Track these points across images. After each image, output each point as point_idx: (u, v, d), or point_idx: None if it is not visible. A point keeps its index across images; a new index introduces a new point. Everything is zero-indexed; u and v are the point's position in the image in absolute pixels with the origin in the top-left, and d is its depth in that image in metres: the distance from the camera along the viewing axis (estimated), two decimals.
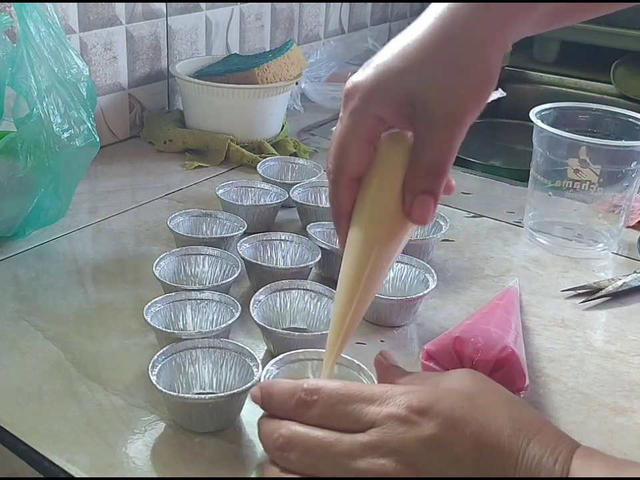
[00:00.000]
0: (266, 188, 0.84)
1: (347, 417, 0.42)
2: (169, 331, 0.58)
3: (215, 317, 0.62)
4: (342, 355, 0.54)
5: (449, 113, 0.44)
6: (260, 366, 0.53)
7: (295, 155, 1.01)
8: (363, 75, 0.46)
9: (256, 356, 0.54)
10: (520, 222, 0.86)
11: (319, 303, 0.64)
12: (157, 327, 0.58)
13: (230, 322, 0.58)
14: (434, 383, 0.44)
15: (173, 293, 0.62)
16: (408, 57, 0.44)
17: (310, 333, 0.61)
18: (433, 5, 0.45)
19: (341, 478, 0.41)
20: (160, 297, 0.61)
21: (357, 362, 0.53)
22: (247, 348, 0.55)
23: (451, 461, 0.39)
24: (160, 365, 0.53)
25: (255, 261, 0.69)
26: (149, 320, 0.58)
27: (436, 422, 0.40)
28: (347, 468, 0.40)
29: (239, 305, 0.60)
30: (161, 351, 0.54)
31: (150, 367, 0.52)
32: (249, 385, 0.51)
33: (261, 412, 0.46)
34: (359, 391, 0.43)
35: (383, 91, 0.44)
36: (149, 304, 0.60)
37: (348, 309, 0.46)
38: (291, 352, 0.54)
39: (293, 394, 0.44)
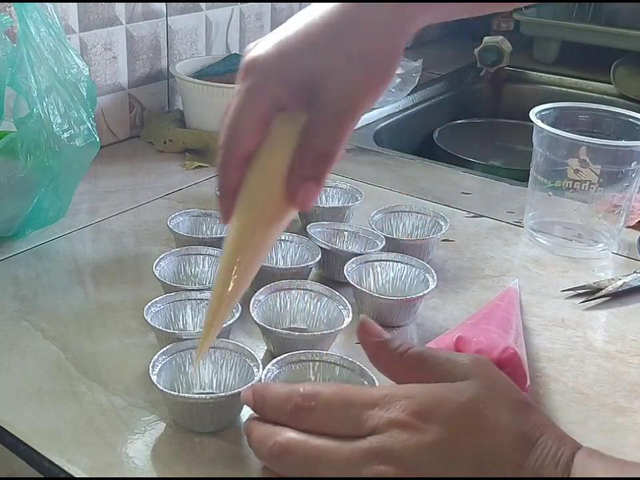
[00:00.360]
0: None
1: (346, 423, 0.41)
2: (169, 331, 0.58)
3: None
4: (343, 356, 0.54)
5: (343, 100, 0.43)
6: (260, 366, 0.53)
7: None
8: (263, 50, 0.44)
9: (256, 356, 0.54)
10: (520, 222, 0.86)
11: (318, 303, 0.64)
12: (157, 326, 0.58)
13: (230, 322, 0.58)
14: (439, 377, 0.43)
15: (173, 293, 0.62)
16: (311, 39, 0.43)
17: (310, 333, 0.61)
18: None
19: None
20: (160, 297, 0.61)
21: (359, 363, 0.53)
22: (247, 348, 0.55)
23: (452, 467, 0.39)
24: (160, 365, 0.53)
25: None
26: (149, 320, 0.58)
27: (437, 428, 0.39)
28: (349, 476, 0.40)
29: (239, 305, 0.60)
30: (162, 351, 0.54)
31: (150, 367, 0.52)
32: (250, 385, 0.51)
33: None
34: (357, 395, 0.42)
35: (282, 70, 0.43)
36: (149, 304, 0.60)
37: (225, 288, 0.45)
38: (293, 352, 0.54)
39: (289, 399, 0.43)
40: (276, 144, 0.44)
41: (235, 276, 0.45)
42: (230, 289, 0.45)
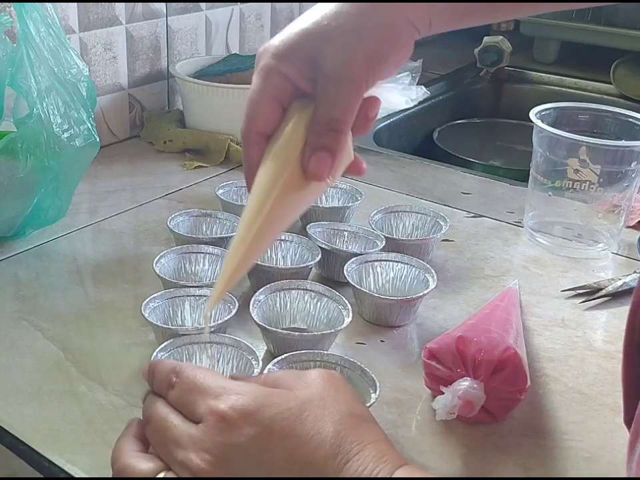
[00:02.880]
0: None
1: (187, 406, 0.42)
2: (165, 326, 0.58)
3: (213, 314, 0.62)
4: (345, 357, 0.54)
5: (342, 70, 0.46)
6: (260, 359, 0.54)
7: None
8: (278, 37, 0.48)
9: (254, 349, 0.55)
10: (520, 222, 0.86)
11: (318, 303, 0.64)
12: (155, 322, 0.58)
13: (227, 318, 0.59)
14: (286, 387, 0.43)
15: (172, 289, 0.62)
16: (321, 24, 0.46)
17: (310, 333, 0.61)
18: None
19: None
20: (159, 293, 0.61)
21: (359, 363, 0.53)
22: (245, 342, 0.55)
23: (260, 471, 0.39)
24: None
25: (255, 261, 0.69)
26: (146, 315, 0.58)
27: (251, 430, 0.39)
28: (170, 455, 0.41)
29: (236, 301, 0.61)
30: (160, 347, 0.54)
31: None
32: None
33: None
34: (204, 382, 0.42)
35: (289, 50, 0.47)
36: (147, 299, 0.60)
37: (244, 246, 0.46)
38: (294, 352, 0.54)
39: (168, 374, 0.44)
40: (291, 123, 0.47)
41: (253, 235, 0.46)
42: (246, 249, 0.46)
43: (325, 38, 0.46)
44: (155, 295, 0.61)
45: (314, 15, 0.47)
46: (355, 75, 0.46)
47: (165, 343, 0.55)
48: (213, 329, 0.58)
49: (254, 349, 0.55)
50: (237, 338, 0.56)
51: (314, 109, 0.46)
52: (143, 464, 0.41)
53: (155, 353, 0.53)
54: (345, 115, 0.46)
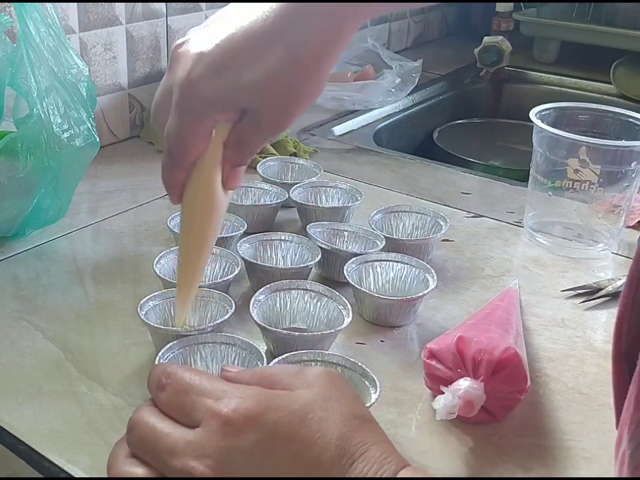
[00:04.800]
0: (266, 188, 0.84)
1: (183, 409, 0.41)
2: (157, 326, 0.58)
3: (211, 314, 0.62)
4: (345, 356, 0.54)
5: (277, 125, 0.48)
6: (264, 358, 0.54)
7: (294, 155, 1.01)
8: (199, 72, 0.46)
9: (260, 349, 0.55)
10: (520, 222, 0.86)
11: (318, 303, 0.64)
12: (150, 322, 0.58)
13: (225, 318, 0.59)
14: (285, 386, 0.42)
15: (167, 290, 0.62)
16: (245, 62, 0.45)
17: (310, 333, 0.61)
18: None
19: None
20: (157, 292, 0.61)
21: (360, 363, 0.53)
22: (248, 340, 0.56)
23: (265, 474, 0.39)
24: (165, 362, 0.53)
25: (255, 261, 0.69)
26: (142, 315, 0.58)
27: (256, 434, 0.39)
28: (166, 465, 0.39)
29: (233, 302, 0.61)
30: (167, 347, 0.54)
31: (157, 362, 0.53)
32: None
33: None
34: (201, 384, 0.42)
35: (221, 99, 0.47)
36: (144, 300, 0.60)
37: (198, 254, 0.52)
38: (294, 352, 0.54)
39: (158, 376, 0.43)
40: (215, 148, 0.50)
41: (190, 250, 0.53)
42: (187, 259, 0.53)
43: (259, 96, 0.46)
44: (151, 295, 0.61)
45: (234, 46, 0.45)
46: (286, 126, 0.48)
47: (170, 344, 0.55)
48: (211, 329, 0.58)
49: (260, 350, 0.55)
50: (243, 338, 0.56)
51: (237, 137, 0.49)
52: (138, 469, 0.40)
53: (160, 353, 0.53)
54: (261, 146, 0.51)
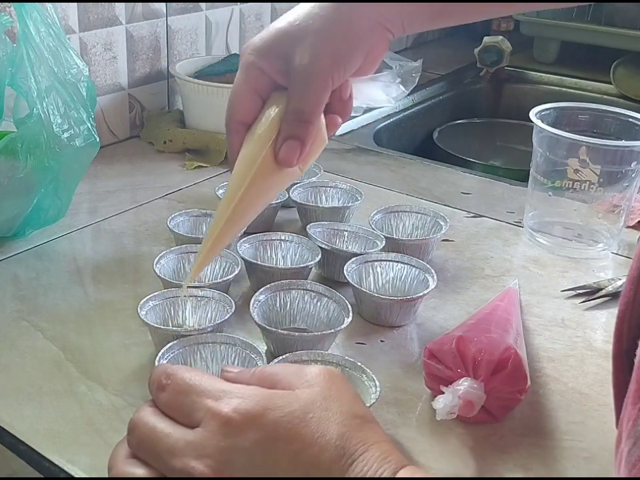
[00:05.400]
0: None
1: (183, 409, 0.41)
2: (161, 327, 0.58)
3: (211, 315, 0.62)
4: (345, 356, 0.54)
5: (309, 67, 0.51)
6: (264, 358, 0.54)
7: None
8: (259, 35, 0.53)
9: (260, 349, 0.55)
10: (520, 222, 0.86)
11: (318, 303, 0.64)
12: (151, 323, 0.58)
13: (225, 318, 0.59)
14: (286, 386, 0.42)
15: (171, 289, 0.62)
16: (294, 24, 0.52)
17: (310, 333, 0.61)
18: None
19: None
20: (157, 292, 0.61)
21: (360, 364, 0.53)
22: (248, 340, 0.56)
23: (265, 474, 0.39)
24: (166, 362, 0.53)
25: (255, 261, 0.69)
26: (143, 315, 0.58)
27: (256, 435, 0.39)
28: (166, 465, 0.39)
29: (233, 302, 0.61)
30: (167, 347, 0.54)
31: (156, 362, 0.53)
32: None
33: None
34: (201, 384, 0.42)
35: (266, 48, 0.52)
36: (144, 299, 0.60)
37: (224, 220, 0.52)
38: (294, 352, 0.54)
39: (160, 375, 0.43)
40: (267, 113, 0.52)
41: (231, 212, 0.52)
42: (225, 222, 0.52)
43: (295, 37, 0.51)
44: (151, 295, 0.61)
45: (291, 15, 0.53)
46: (321, 71, 0.51)
47: (170, 344, 0.55)
48: (210, 329, 0.58)
49: (260, 350, 0.55)
50: (243, 338, 0.56)
51: (286, 102, 0.51)
52: (139, 469, 0.40)
53: (160, 353, 0.53)
54: (313, 107, 0.51)
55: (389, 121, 1.27)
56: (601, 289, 0.72)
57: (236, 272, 0.66)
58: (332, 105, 0.54)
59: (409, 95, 1.32)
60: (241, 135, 0.52)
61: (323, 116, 0.53)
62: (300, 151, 0.51)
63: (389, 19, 0.53)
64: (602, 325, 0.68)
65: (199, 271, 0.54)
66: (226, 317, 0.59)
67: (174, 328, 0.60)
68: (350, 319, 0.60)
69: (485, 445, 0.53)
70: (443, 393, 0.52)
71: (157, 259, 0.67)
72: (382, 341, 0.64)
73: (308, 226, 0.74)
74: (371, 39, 0.53)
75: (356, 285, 0.65)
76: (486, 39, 1.46)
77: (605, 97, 1.44)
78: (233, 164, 0.53)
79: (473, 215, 0.88)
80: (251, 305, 0.60)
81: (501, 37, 1.46)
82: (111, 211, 0.85)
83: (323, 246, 0.71)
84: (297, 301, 0.64)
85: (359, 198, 0.82)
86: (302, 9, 0.53)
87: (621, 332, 0.45)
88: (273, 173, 0.52)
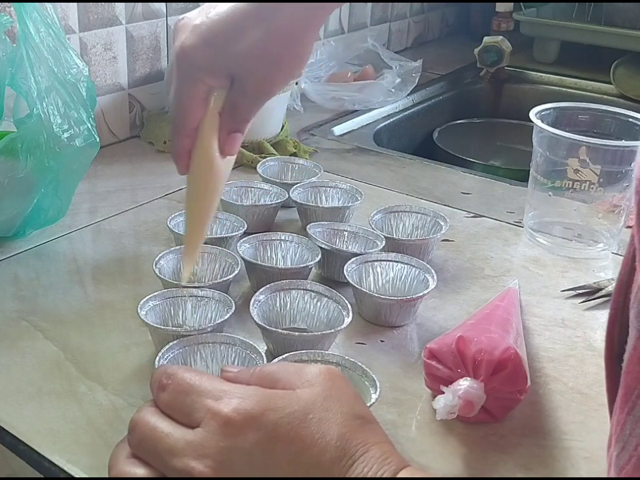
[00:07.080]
0: (266, 188, 0.84)
1: (183, 409, 0.41)
2: (161, 327, 0.58)
3: (211, 315, 0.62)
4: (345, 356, 0.54)
5: (261, 91, 0.53)
6: (264, 358, 0.54)
7: (294, 155, 1.01)
8: (192, 41, 0.52)
9: (260, 349, 0.55)
10: (520, 222, 0.86)
11: (318, 303, 0.64)
12: (151, 323, 0.58)
13: (225, 318, 0.59)
14: (286, 385, 0.42)
15: (167, 290, 0.62)
16: (232, 34, 0.51)
17: (310, 333, 0.61)
18: None
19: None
20: (157, 292, 0.61)
21: (360, 364, 0.53)
22: (248, 340, 0.56)
23: (264, 474, 0.39)
24: (166, 362, 0.53)
25: (255, 261, 0.69)
26: (143, 315, 0.58)
27: (256, 435, 0.39)
28: (166, 465, 0.40)
29: (233, 302, 0.61)
30: (167, 347, 0.54)
31: (156, 363, 0.53)
32: None
33: None
34: (201, 384, 0.42)
35: (211, 65, 0.52)
36: (144, 300, 0.60)
37: (192, 215, 0.57)
38: (294, 352, 0.54)
39: (160, 375, 0.43)
40: (212, 116, 0.54)
41: (196, 207, 0.57)
42: (195, 216, 0.57)
43: (244, 63, 0.51)
44: (151, 295, 0.61)
45: (227, 10, 0.52)
46: (269, 93, 0.54)
47: (171, 344, 0.55)
48: (211, 329, 0.58)
49: (260, 350, 0.55)
50: (243, 338, 0.56)
51: (230, 105, 0.53)
52: (139, 469, 0.41)
53: (161, 353, 0.53)
54: (255, 111, 0.54)
55: (389, 121, 1.27)
56: (601, 289, 0.72)
57: (236, 272, 0.66)
58: None
59: (408, 94, 1.33)
60: (193, 138, 0.55)
61: None
62: (240, 142, 0.56)
63: (321, 23, 0.54)
64: (602, 325, 0.68)
65: (188, 271, 0.57)
66: (226, 317, 0.59)
67: (174, 328, 0.60)
68: (350, 318, 0.60)
69: (484, 445, 0.53)
70: (443, 392, 0.52)
71: (156, 258, 0.67)
72: (382, 341, 0.64)
73: (308, 226, 0.74)
74: (308, 49, 0.53)
75: (356, 285, 0.65)
76: (486, 39, 1.47)
77: (604, 97, 1.44)
78: (184, 165, 0.56)
79: (473, 214, 0.88)
80: (250, 305, 0.60)
81: (501, 37, 1.46)
82: (111, 211, 0.85)
83: (323, 246, 0.71)
84: (296, 301, 0.64)
85: (359, 198, 0.82)
86: (234, 15, 0.52)
87: (612, 336, 0.45)
88: (221, 162, 0.56)
